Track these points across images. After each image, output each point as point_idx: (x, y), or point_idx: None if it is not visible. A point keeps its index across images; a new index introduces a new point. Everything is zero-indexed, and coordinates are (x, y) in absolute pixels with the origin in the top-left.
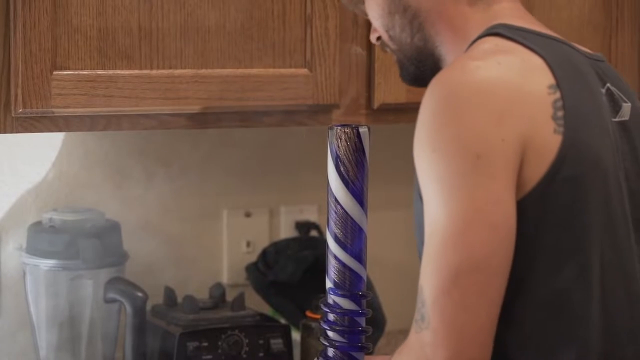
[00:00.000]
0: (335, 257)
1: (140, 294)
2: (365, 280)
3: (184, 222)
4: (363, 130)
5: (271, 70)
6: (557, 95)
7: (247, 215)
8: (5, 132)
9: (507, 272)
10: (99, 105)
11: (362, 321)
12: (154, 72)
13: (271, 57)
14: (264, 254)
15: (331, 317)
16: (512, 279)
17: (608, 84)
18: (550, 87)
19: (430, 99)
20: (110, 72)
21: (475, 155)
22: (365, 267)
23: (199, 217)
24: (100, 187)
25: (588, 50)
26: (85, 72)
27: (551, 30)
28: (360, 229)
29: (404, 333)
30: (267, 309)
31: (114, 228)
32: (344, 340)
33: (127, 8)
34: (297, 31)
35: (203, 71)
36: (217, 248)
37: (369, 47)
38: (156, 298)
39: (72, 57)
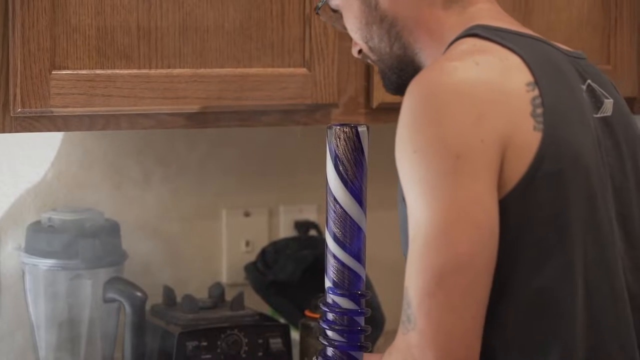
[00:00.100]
0: (335, 257)
1: (139, 294)
2: (364, 279)
3: (183, 221)
4: (362, 129)
5: (270, 70)
6: (536, 92)
7: (246, 214)
8: (4, 131)
9: (491, 272)
10: (98, 105)
11: (361, 320)
12: (153, 71)
13: (270, 56)
14: (263, 253)
15: (330, 316)
16: (496, 279)
17: (589, 81)
18: (528, 84)
19: (410, 101)
20: (109, 71)
21: (455, 156)
22: (364, 267)
23: (198, 216)
24: (99, 186)
25: (568, 48)
26: (84, 72)
27: (552, 30)
28: (359, 229)
29: None
30: (266, 309)
31: (113, 228)
32: (343, 340)
33: (125, 7)
34: (295, 31)
35: (202, 71)
36: (216, 248)
37: None
38: (155, 298)
39: (70, 56)
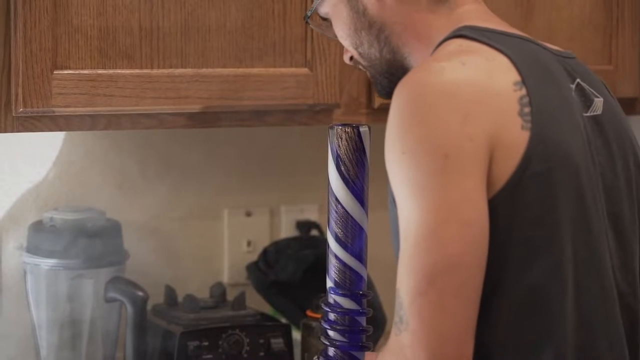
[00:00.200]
0: (336, 257)
1: (140, 294)
2: (366, 279)
3: (185, 221)
4: (364, 129)
5: (272, 70)
6: (523, 91)
7: (248, 214)
8: (5, 131)
9: (482, 271)
10: (100, 105)
11: (363, 320)
12: (155, 71)
13: (272, 56)
14: (265, 253)
15: (332, 316)
16: (487, 278)
17: (578, 80)
18: (515, 84)
19: (397, 102)
20: (111, 71)
21: (443, 155)
22: (365, 267)
23: (199, 216)
24: (100, 186)
25: (557, 48)
26: (85, 72)
27: (553, 29)
28: (361, 229)
29: None
30: (267, 309)
31: (114, 227)
32: (344, 340)
33: (127, 7)
34: (297, 30)
35: (203, 70)
36: (218, 247)
37: None
38: (157, 297)
39: (72, 56)
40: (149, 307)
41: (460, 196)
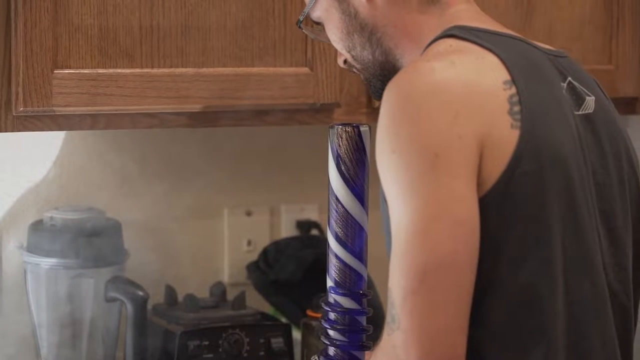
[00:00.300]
0: (336, 256)
1: (141, 293)
2: (366, 279)
3: (185, 220)
4: (364, 129)
5: (272, 69)
6: (513, 90)
7: (248, 214)
8: (6, 130)
9: (474, 269)
10: (100, 104)
11: (363, 320)
12: (155, 70)
13: (272, 55)
14: (265, 252)
15: (332, 316)
16: (479, 277)
17: (569, 78)
18: (505, 82)
19: (387, 102)
20: (111, 70)
21: (433, 154)
22: (366, 266)
23: (199, 216)
24: (101, 186)
25: (549, 47)
26: (86, 71)
27: (553, 29)
28: (361, 228)
29: None
30: (267, 308)
31: (114, 227)
32: (344, 339)
33: (128, 7)
34: (298, 30)
35: (204, 70)
36: (218, 247)
37: None
38: (157, 297)
39: (73, 56)
40: (149, 306)
41: (450, 195)
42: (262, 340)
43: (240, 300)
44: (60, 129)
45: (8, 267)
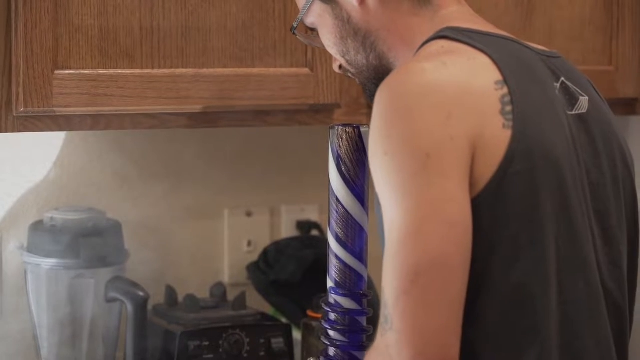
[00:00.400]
0: (337, 257)
1: (141, 294)
2: (366, 279)
3: (185, 221)
4: (364, 129)
5: (272, 70)
6: (505, 90)
7: (248, 214)
8: (6, 131)
9: (466, 270)
10: (100, 105)
11: (363, 320)
12: (155, 71)
13: (272, 56)
14: (265, 253)
15: (332, 316)
16: (472, 277)
17: (563, 78)
18: (497, 83)
19: (379, 103)
20: (112, 71)
21: (425, 155)
22: (366, 267)
23: (200, 216)
24: (101, 186)
25: (542, 48)
26: (86, 72)
27: (554, 29)
28: (362, 229)
29: None
30: (268, 308)
31: (115, 227)
32: (345, 340)
33: (128, 8)
34: None
35: (204, 70)
36: (218, 247)
37: None
38: (157, 297)
39: (73, 56)
40: (149, 307)
41: (442, 195)
42: (262, 341)
43: (240, 301)
44: (60, 129)
45: (8, 268)
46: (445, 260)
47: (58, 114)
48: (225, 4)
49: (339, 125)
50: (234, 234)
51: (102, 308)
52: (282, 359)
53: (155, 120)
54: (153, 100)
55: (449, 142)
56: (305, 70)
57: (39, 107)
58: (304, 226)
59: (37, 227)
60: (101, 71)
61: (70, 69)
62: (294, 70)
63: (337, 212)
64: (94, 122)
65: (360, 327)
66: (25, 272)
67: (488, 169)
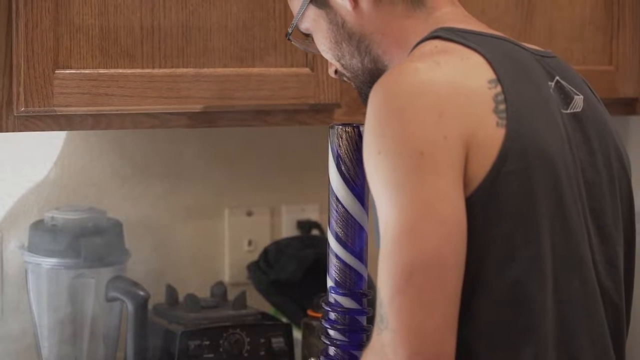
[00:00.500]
0: (337, 256)
1: (141, 293)
2: (366, 278)
3: (186, 221)
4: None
5: (273, 70)
6: (498, 89)
7: (249, 214)
8: (7, 130)
9: (461, 268)
10: (101, 104)
11: (363, 320)
12: (156, 71)
13: (273, 56)
14: (266, 252)
15: (332, 315)
16: (467, 275)
17: (557, 78)
18: (490, 81)
19: (373, 103)
20: (112, 71)
21: (419, 154)
22: (366, 266)
23: (200, 216)
24: (102, 185)
25: (536, 47)
26: (87, 71)
27: (554, 29)
28: (362, 228)
29: None
30: (268, 308)
31: (115, 227)
32: (345, 339)
33: (129, 7)
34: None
35: (205, 70)
36: (219, 247)
37: None
38: (158, 297)
39: (74, 56)
40: (150, 306)
41: (436, 193)
42: (262, 340)
43: (240, 300)
44: (61, 129)
45: (9, 267)
46: (440, 258)
47: (59, 113)
48: (225, 3)
49: (339, 125)
50: (234, 234)
51: (102, 307)
52: (283, 358)
53: (155, 120)
54: (153, 99)
55: (442, 141)
56: (306, 70)
57: (39, 107)
58: (304, 226)
59: (38, 226)
60: (102, 71)
61: (71, 68)
62: (294, 70)
63: (337, 211)
64: (95, 121)
65: (361, 326)
66: (26, 272)
67: (482, 167)
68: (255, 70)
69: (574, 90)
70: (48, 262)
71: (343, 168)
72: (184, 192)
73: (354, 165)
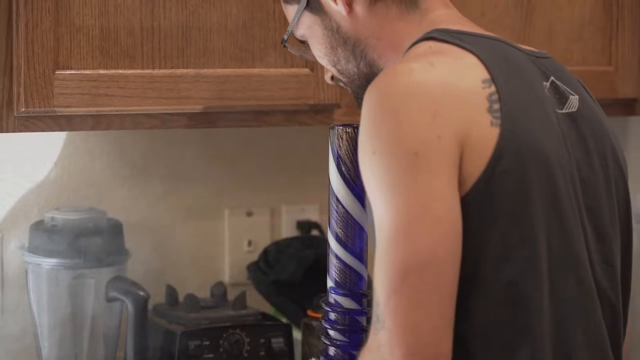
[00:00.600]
0: (337, 257)
1: (141, 293)
2: (366, 279)
3: (186, 221)
4: None
5: (272, 70)
6: (492, 89)
7: (249, 214)
8: (7, 131)
9: (456, 268)
10: (101, 105)
11: (363, 320)
12: (156, 71)
13: (273, 56)
14: (266, 253)
15: (332, 316)
16: (463, 275)
17: (552, 78)
18: (484, 81)
19: (367, 104)
20: (112, 71)
21: (413, 153)
22: (366, 266)
23: (200, 216)
24: (102, 186)
25: (531, 48)
26: (87, 72)
27: (553, 30)
28: (362, 228)
29: None
30: (268, 308)
31: (115, 227)
32: (345, 339)
33: (129, 8)
34: None
35: (205, 71)
36: (219, 247)
37: None
38: (158, 297)
39: (74, 56)
40: (149, 306)
41: (430, 193)
42: (262, 341)
43: (240, 301)
44: (61, 129)
45: (9, 268)
46: (435, 258)
47: (59, 114)
48: (225, 4)
49: (339, 126)
50: (234, 234)
51: (102, 308)
52: (282, 358)
53: (155, 120)
54: (153, 100)
55: (436, 141)
56: (305, 71)
57: (40, 107)
58: (304, 226)
59: (38, 226)
60: (102, 71)
61: (71, 69)
62: (294, 70)
63: (337, 212)
64: (95, 122)
65: (360, 326)
66: (26, 272)
67: (476, 167)
68: (255, 70)
69: (569, 90)
70: (48, 262)
71: (343, 168)
72: (183, 192)
73: (354, 166)
